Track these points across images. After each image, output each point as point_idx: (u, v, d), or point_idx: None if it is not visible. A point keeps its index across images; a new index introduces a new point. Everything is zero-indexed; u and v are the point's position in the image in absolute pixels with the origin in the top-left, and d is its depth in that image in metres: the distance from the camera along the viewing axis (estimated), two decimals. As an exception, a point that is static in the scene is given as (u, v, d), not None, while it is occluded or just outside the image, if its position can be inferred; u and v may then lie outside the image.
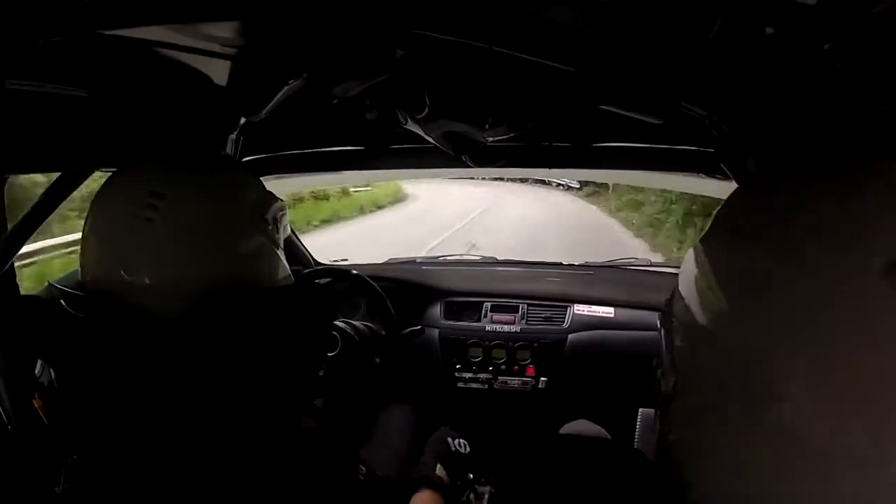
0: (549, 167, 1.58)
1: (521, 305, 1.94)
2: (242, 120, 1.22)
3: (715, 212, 1.50)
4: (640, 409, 1.64)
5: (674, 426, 0.59)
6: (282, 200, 0.95)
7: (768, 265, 0.46)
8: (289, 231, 0.97)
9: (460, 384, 1.88)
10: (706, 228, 0.62)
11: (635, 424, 1.66)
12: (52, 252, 5.56)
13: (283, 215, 0.94)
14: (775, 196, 0.53)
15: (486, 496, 1.82)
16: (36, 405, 0.91)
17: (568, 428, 1.50)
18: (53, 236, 5.80)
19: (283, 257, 0.95)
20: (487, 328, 1.92)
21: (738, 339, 0.46)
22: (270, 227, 0.90)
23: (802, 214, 0.46)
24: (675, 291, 0.62)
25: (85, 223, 0.84)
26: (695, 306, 0.54)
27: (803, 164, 0.55)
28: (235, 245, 0.85)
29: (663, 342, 0.60)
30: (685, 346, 0.55)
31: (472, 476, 1.85)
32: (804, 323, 0.41)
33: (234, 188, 0.90)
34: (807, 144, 0.65)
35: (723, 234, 0.58)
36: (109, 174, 0.91)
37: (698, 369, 0.52)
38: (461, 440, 1.35)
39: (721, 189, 1.83)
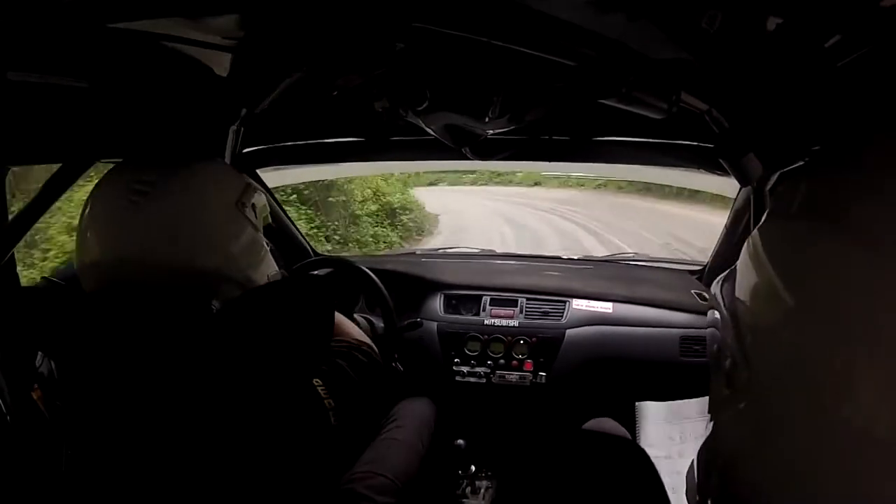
0: (549, 160, 1.58)
1: (519, 299, 1.93)
2: (243, 111, 1.22)
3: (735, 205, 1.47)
4: (637, 403, 1.64)
5: (736, 422, 0.57)
6: (260, 190, 0.99)
7: (831, 256, 0.44)
8: (269, 219, 1.00)
9: (458, 378, 1.88)
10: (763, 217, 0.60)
11: (632, 419, 1.67)
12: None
13: (261, 204, 0.98)
14: (834, 187, 0.51)
15: (483, 490, 1.84)
16: (35, 396, 0.92)
17: (591, 425, 1.51)
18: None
19: (263, 241, 0.98)
20: (486, 322, 1.91)
21: (804, 333, 0.44)
22: (248, 210, 0.93)
23: (863, 205, 0.44)
24: (732, 279, 0.60)
25: (81, 216, 0.87)
26: (757, 299, 0.53)
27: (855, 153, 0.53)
28: (217, 224, 0.89)
29: (728, 336, 0.58)
30: (750, 339, 0.53)
31: (473, 468, 1.86)
32: (871, 316, 0.39)
33: (215, 175, 0.93)
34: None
35: (781, 224, 0.56)
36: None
37: (764, 364, 0.51)
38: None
39: (720, 185, 1.83)
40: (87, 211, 0.87)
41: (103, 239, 0.84)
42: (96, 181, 0.90)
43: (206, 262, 0.86)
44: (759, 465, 0.51)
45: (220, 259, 0.88)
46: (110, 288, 0.83)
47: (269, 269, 0.98)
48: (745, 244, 0.58)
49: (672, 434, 1.57)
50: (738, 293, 0.58)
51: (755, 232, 0.58)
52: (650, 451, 1.51)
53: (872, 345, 0.38)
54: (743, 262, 0.58)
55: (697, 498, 0.68)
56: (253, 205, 0.94)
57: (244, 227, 0.92)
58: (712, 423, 0.64)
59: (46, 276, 0.96)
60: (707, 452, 0.66)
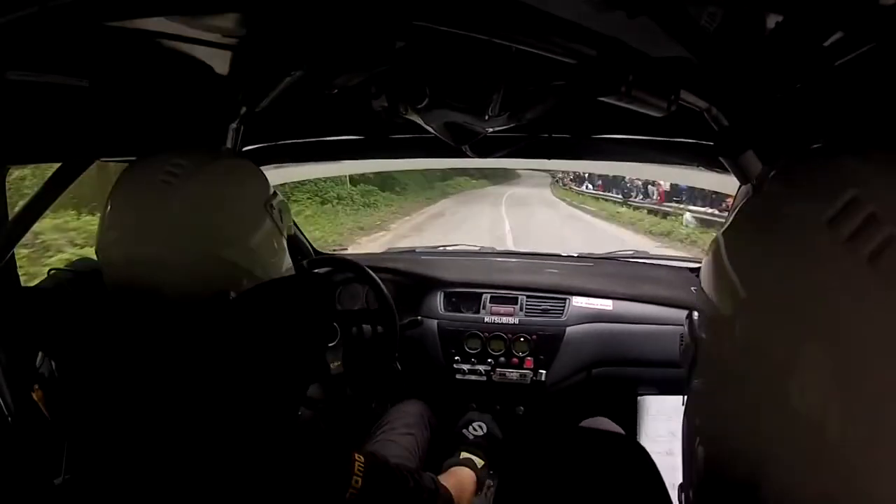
0: (549, 158, 1.58)
1: (520, 297, 1.94)
2: (243, 109, 1.22)
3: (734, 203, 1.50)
4: (639, 398, 1.65)
5: (697, 410, 0.60)
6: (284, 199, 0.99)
7: (776, 257, 0.47)
8: (291, 226, 1.00)
9: (459, 376, 1.89)
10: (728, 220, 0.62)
11: (634, 414, 1.68)
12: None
13: (286, 209, 0.98)
14: (781, 194, 0.54)
15: (485, 489, 1.84)
16: (36, 397, 0.92)
17: (586, 424, 1.51)
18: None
19: (285, 246, 0.99)
20: (486, 320, 1.91)
21: (755, 326, 0.46)
22: (276, 213, 0.93)
23: (798, 210, 0.47)
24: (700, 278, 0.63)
25: (104, 206, 0.86)
26: (714, 293, 0.55)
27: (808, 161, 0.55)
28: (246, 223, 0.89)
29: (686, 329, 0.61)
30: (706, 331, 0.56)
31: None
32: (806, 310, 0.41)
33: (247, 173, 0.94)
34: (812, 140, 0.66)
35: (742, 225, 0.59)
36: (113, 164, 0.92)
37: (717, 355, 0.53)
38: (476, 425, 1.38)
39: (719, 182, 1.83)
40: (114, 190, 0.86)
41: (130, 216, 0.84)
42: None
43: (231, 254, 0.86)
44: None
45: (245, 254, 0.87)
46: (128, 268, 0.82)
47: (284, 264, 0.99)
48: (711, 242, 0.60)
49: (673, 429, 1.58)
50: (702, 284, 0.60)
51: (720, 232, 0.60)
52: (651, 447, 1.52)
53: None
54: (705, 260, 0.61)
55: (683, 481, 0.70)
56: (280, 208, 0.94)
57: (271, 227, 0.92)
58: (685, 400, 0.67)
59: (54, 268, 0.95)
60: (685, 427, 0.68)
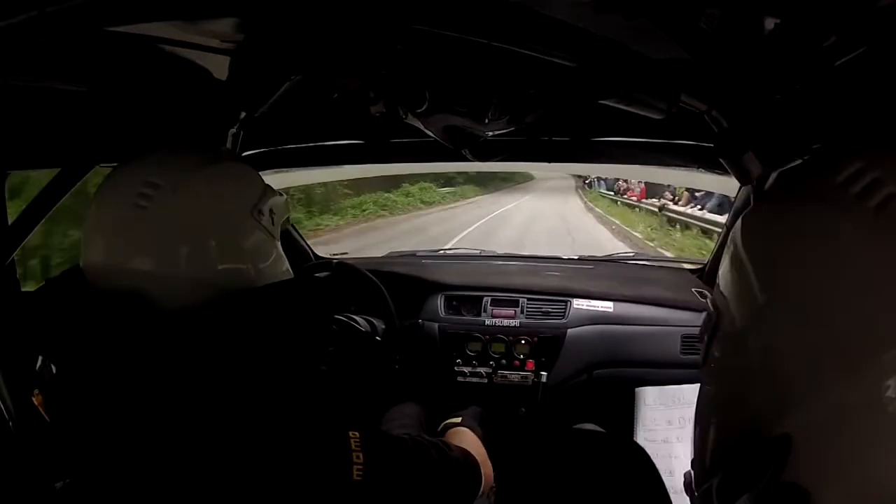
0: (549, 161, 1.58)
1: (520, 299, 1.94)
2: (243, 115, 1.22)
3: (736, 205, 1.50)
4: (636, 389, 1.66)
5: (717, 378, 0.62)
6: (281, 194, 0.95)
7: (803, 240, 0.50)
8: (287, 225, 0.97)
9: (460, 378, 1.88)
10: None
11: (631, 404, 1.68)
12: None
13: (280, 208, 0.94)
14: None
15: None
16: (36, 401, 0.92)
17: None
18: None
19: (280, 249, 0.94)
20: (487, 322, 1.91)
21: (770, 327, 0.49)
22: (265, 219, 0.89)
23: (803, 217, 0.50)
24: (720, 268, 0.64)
25: (87, 215, 0.84)
26: (733, 291, 0.56)
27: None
28: (230, 236, 0.84)
29: (710, 299, 0.63)
30: (728, 327, 0.57)
31: None
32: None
33: (230, 180, 0.89)
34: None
35: (757, 223, 0.60)
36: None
37: (735, 352, 0.55)
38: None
39: (720, 183, 1.84)
40: (91, 210, 0.83)
41: (104, 242, 0.81)
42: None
43: (218, 268, 0.82)
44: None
45: (234, 264, 0.84)
46: (113, 282, 0.80)
47: (279, 269, 0.94)
48: (730, 235, 0.61)
49: (671, 418, 1.60)
50: (720, 279, 0.62)
51: (740, 219, 0.61)
52: (648, 436, 1.52)
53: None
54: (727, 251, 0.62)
55: (693, 475, 0.70)
56: (271, 210, 0.90)
57: (260, 234, 0.88)
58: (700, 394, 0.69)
59: (51, 277, 0.95)
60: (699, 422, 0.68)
